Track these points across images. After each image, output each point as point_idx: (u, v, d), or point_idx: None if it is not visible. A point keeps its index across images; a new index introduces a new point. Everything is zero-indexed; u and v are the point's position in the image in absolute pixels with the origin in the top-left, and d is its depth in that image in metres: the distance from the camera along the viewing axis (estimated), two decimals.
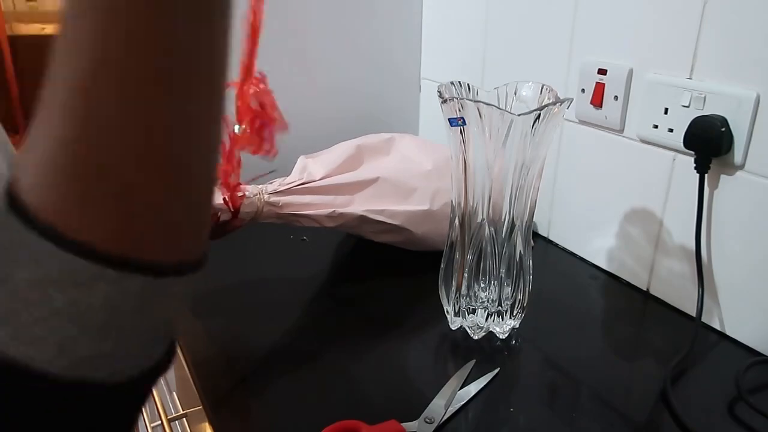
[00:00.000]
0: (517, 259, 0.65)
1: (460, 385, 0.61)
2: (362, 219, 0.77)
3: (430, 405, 0.58)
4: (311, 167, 0.80)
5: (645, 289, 0.79)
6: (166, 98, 0.21)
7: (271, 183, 0.76)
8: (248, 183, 0.73)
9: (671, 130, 0.71)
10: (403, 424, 0.54)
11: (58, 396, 0.22)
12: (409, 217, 0.79)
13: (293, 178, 0.77)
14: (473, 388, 0.61)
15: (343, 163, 0.81)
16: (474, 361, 0.64)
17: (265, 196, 0.73)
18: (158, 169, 0.22)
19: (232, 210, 0.70)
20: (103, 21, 0.20)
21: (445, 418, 0.57)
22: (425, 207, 0.80)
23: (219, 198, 0.69)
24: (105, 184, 0.21)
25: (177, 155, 0.22)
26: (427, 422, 0.56)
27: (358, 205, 0.78)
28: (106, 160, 0.21)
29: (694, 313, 0.70)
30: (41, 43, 4.39)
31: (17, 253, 0.21)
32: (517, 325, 0.69)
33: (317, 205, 0.76)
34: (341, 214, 0.76)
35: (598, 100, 0.80)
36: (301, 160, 0.83)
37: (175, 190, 0.23)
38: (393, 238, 0.81)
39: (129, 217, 0.22)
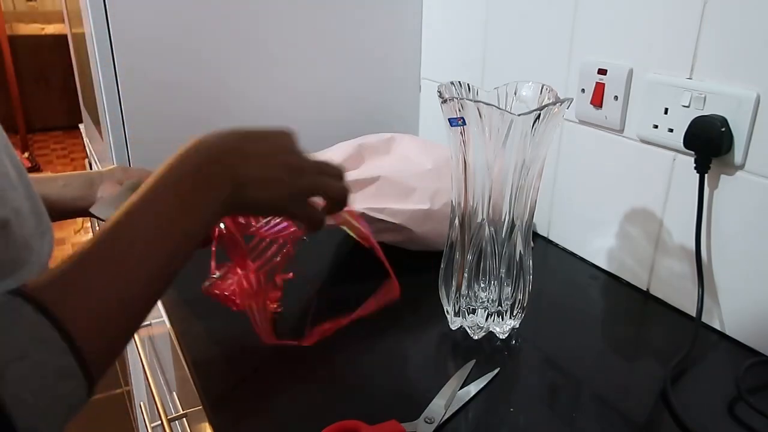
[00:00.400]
0: (517, 259, 0.65)
1: (460, 385, 0.61)
2: (363, 217, 0.77)
3: (430, 405, 0.58)
4: None
5: (645, 289, 0.79)
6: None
7: None
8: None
9: (671, 130, 0.71)
10: (403, 424, 0.54)
11: None
12: (409, 216, 0.79)
13: None
14: (473, 388, 0.61)
15: (343, 162, 0.81)
16: (474, 361, 0.64)
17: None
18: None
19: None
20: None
21: (445, 418, 0.57)
22: (426, 206, 0.80)
23: None
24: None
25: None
26: (427, 422, 0.56)
27: (358, 204, 0.78)
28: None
29: (694, 313, 0.70)
30: (41, 43, 4.39)
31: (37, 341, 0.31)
32: (517, 325, 0.69)
33: (318, 204, 0.76)
34: (342, 213, 0.76)
35: (598, 100, 0.80)
36: None
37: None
38: (393, 238, 0.81)
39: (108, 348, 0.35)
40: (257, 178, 0.45)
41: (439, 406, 0.58)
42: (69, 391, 0.32)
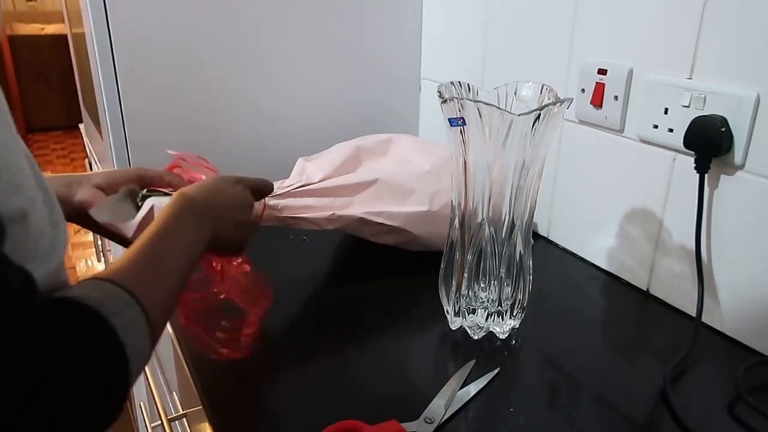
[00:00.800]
0: (517, 259, 0.65)
1: (460, 385, 0.61)
2: (362, 221, 0.77)
3: (430, 405, 0.58)
4: (309, 169, 0.80)
5: (645, 289, 0.79)
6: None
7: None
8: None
9: (671, 130, 0.71)
10: (403, 424, 0.54)
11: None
12: (408, 218, 0.79)
13: (292, 181, 0.77)
14: (473, 388, 0.61)
15: (341, 165, 0.81)
16: (474, 361, 0.64)
17: (265, 200, 0.72)
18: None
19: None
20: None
21: (445, 418, 0.57)
22: (425, 208, 0.80)
23: None
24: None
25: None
26: (427, 422, 0.56)
27: (357, 207, 0.77)
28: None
29: (694, 313, 0.70)
30: (41, 43, 4.39)
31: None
32: (517, 325, 0.69)
33: (316, 208, 0.76)
34: (340, 217, 0.76)
35: (598, 100, 0.80)
36: (299, 163, 0.83)
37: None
38: (393, 240, 0.81)
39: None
40: (228, 226, 0.60)
41: (439, 406, 0.58)
42: (149, 344, 0.43)
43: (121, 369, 0.40)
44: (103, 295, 0.41)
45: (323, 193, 0.77)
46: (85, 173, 0.68)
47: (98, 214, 0.61)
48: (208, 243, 0.56)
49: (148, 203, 0.62)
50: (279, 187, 0.75)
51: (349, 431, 0.54)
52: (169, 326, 0.72)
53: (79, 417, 0.37)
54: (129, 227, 0.61)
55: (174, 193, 0.58)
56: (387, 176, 0.80)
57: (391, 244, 0.82)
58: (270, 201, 0.73)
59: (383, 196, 0.79)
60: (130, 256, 0.47)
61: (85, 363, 0.37)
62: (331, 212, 0.75)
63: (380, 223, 0.78)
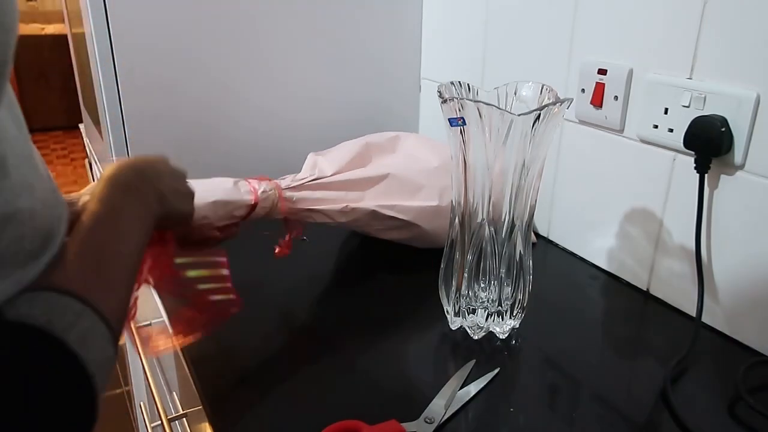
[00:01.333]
0: (517, 259, 0.65)
1: (460, 385, 0.61)
2: (373, 214, 0.78)
3: (430, 405, 0.58)
4: (321, 164, 0.81)
5: (645, 289, 0.79)
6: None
7: (284, 179, 0.76)
8: (262, 179, 0.73)
9: (671, 130, 0.71)
10: (403, 424, 0.54)
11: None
12: (419, 212, 0.80)
13: (305, 174, 0.78)
14: (473, 388, 0.61)
15: (351, 160, 0.82)
16: (474, 361, 0.64)
17: (280, 192, 0.73)
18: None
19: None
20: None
21: (445, 418, 0.57)
22: (434, 203, 0.80)
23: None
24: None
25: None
26: (427, 422, 0.56)
27: (369, 201, 0.78)
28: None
29: (694, 313, 0.70)
30: (41, 43, 4.39)
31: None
32: (517, 325, 0.69)
33: (330, 200, 0.76)
34: (354, 209, 0.77)
35: (598, 100, 0.80)
36: (310, 157, 0.84)
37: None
38: (400, 235, 0.81)
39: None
40: (172, 190, 0.55)
41: (439, 406, 0.58)
42: (112, 351, 0.39)
43: (85, 391, 0.36)
44: (47, 310, 0.35)
45: (336, 186, 0.77)
46: (72, 195, 0.67)
47: None
48: (156, 216, 0.50)
49: None
50: (293, 179, 0.76)
51: (349, 431, 0.54)
52: (169, 326, 0.72)
53: None
54: None
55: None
56: (397, 171, 0.81)
57: (397, 240, 0.82)
58: (285, 193, 0.73)
59: (394, 191, 0.80)
60: (73, 253, 0.41)
61: (45, 399, 0.33)
62: (345, 204, 0.76)
63: (391, 217, 0.79)
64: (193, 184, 0.66)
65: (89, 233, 0.42)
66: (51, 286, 0.37)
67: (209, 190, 0.68)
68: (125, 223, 0.45)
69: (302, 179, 0.76)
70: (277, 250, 0.74)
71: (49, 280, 0.38)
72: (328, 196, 0.77)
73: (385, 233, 0.81)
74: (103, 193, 0.46)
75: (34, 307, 0.35)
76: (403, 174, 0.81)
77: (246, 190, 0.71)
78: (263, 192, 0.72)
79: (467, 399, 0.59)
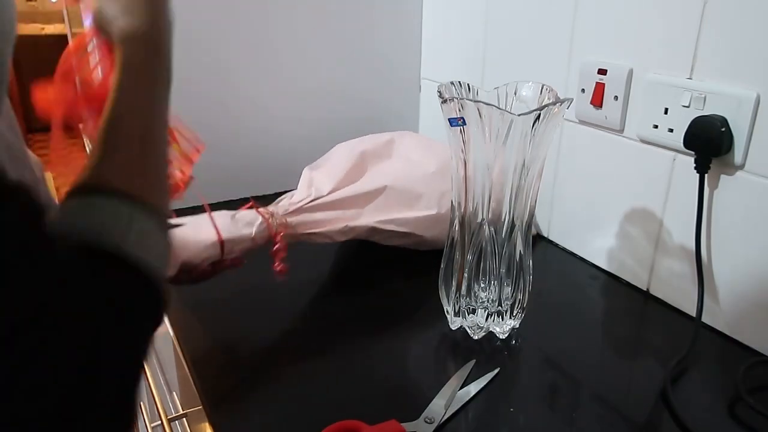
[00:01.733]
0: (517, 259, 0.65)
1: (460, 385, 0.61)
2: (373, 230, 0.78)
3: (430, 405, 0.58)
4: (317, 181, 0.79)
5: (645, 289, 0.79)
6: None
7: (281, 201, 0.76)
8: (258, 206, 0.73)
9: (671, 130, 0.71)
10: (403, 424, 0.54)
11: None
12: (418, 222, 0.80)
13: (302, 195, 0.76)
14: (473, 388, 0.61)
15: (347, 173, 0.81)
16: (474, 361, 0.64)
17: (279, 219, 0.72)
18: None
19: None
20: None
21: (445, 418, 0.57)
22: (433, 211, 0.80)
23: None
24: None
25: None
26: (427, 422, 0.56)
27: (368, 217, 0.78)
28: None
29: (694, 313, 0.70)
30: (41, 42, 4.39)
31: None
32: (517, 325, 0.69)
33: (329, 222, 0.76)
34: (353, 228, 0.76)
35: (598, 100, 0.80)
36: (306, 173, 0.82)
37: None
38: (402, 242, 0.81)
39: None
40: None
41: (439, 406, 0.58)
42: (166, 241, 0.40)
43: (154, 298, 0.36)
44: (97, 220, 0.35)
45: (334, 206, 0.77)
46: None
47: None
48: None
49: None
50: (290, 203, 0.75)
51: (349, 431, 0.54)
52: (169, 326, 0.72)
53: (136, 349, 0.34)
54: None
55: None
56: (394, 182, 0.80)
57: (399, 246, 0.82)
58: (285, 219, 0.73)
59: (392, 203, 0.80)
60: (109, 146, 0.39)
61: (113, 315, 0.32)
62: (344, 224, 0.76)
63: (392, 230, 0.78)
64: (190, 224, 0.67)
65: (119, 122, 0.41)
66: (96, 188, 0.37)
67: (208, 230, 0.68)
68: (151, 104, 0.44)
69: (299, 202, 0.75)
70: (278, 269, 0.72)
71: (92, 181, 0.37)
72: (327, 217, 0.76)
73: (387, 241, 0.81)
74: (123, 71, 0.44)
75: (83, 217, 0.35)
76: (401, 184, 0.81)
77: (244, 222, 0.70)
78: (261, 223, 0.71)
79: (467, 399, 0.59)
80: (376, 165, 0.84)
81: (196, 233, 0.67)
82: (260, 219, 0.71)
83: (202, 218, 0.69)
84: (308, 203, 0.75)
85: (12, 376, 0.27)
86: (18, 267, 0.28)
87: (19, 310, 0.28)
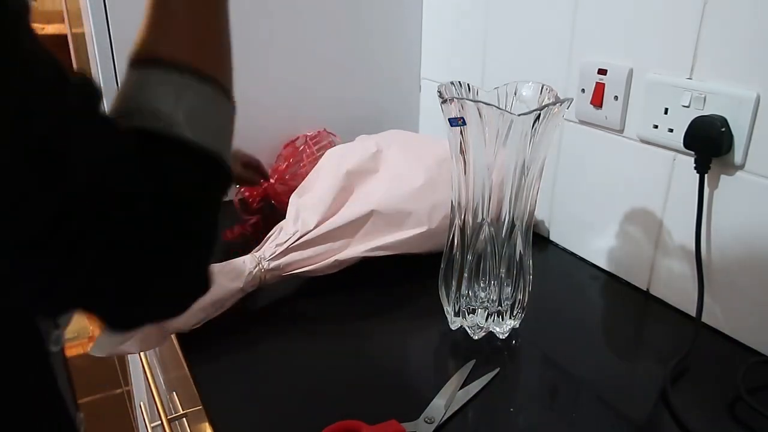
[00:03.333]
0: (517, 259, 0.65)
1: (460, 385, 0.61)
2: (364, 258, 0.77)
3: (430, 405, 0.58)
4: (304, 213, 0.78)
5: (645, 289, 0.79)
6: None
7: (267, 245, 0.75)
8: (245, 256, 0.72)
9: (671, 130, 0.71)
10: (403, 424, 0.54)
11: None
12: (409, 242, 0.78)
13: (288, 233, 0.75)
14: (473, 388, 0.61)
15: (334, 199, 0.79)
16: (474, 361, 0.64)
17: (265, 264, 0.72)
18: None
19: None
20: None
21: (445, 418, 0.57)
22: (423, 228, 0.78)
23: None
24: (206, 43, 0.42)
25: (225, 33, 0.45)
26: (427, 422, 0.56)
27: (357, 246, 0.77)
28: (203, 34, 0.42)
29: (694, 313, 0.70)
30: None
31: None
32: (517, 325, 0.69)
33: (317, 257, 0.75)
34: (343, 261, 0.76)
35: (598, 100, 0.80)
36: (293, 202, 0.81)
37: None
38: (396, 254, 0.81)
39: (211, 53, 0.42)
40: None
41: (439, 406, 0.58)
42: (226, 108, 0.42)
43: (209, 175, 0.38)
44: (144, 97, 0.37)
45: (322, 240, 0.76)
46: None
47: (99, 349, 0.62)
48: None
49: None
50: (277, 245, 0.74)
51: (349, 431, 0.54)
52: None
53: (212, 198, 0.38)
54: None
55: None
56: (381, 205, 0.78)
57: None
58: (271, 264, 0.72)
59: (381, 227, 0.78)
60: (155, 11, 0.40)
61: (173, 195, 0.35)
62: (334, 259, 0.75)
63: (382, 255, 0.78)
64: None
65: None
66: (142, 59, 0.38)
67: None
68: None
69: (286, 242, 0.74)
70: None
71: (139, 48, 0.38)
72: (316, 252, 0.75)
73: (381, 252, 0.80)
74: None
75: (136, 96, 0.36)
76: (388, 206, 0.78)
77: (233, 276, 0.69)
78: (249, 274, 0.70)
79: (467, 399, 0.59)
80: (362, 184, 0.82)
81: None
82: (247, 271, 0.70)
83: None
84: (295, 242, 0.74)
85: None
86: (80, 143, 0.30)
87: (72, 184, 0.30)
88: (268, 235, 0.77)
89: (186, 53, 0.38)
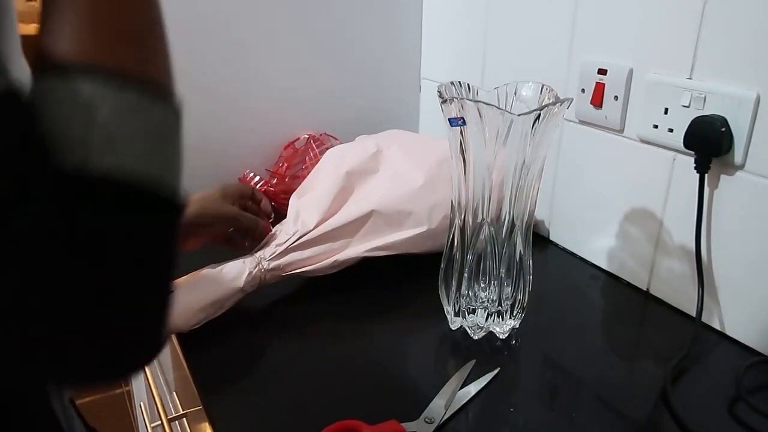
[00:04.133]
0: (517, 259, 0.65)
1: (460, 385, 0.61)
2: (364, 259, 0.77)
3: (430, 405, 0.58)
4: (304, 213, 0.78)
5: (645, 289, 0.79)
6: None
7: (268, 246, 0.74)
8: (245, 256, 0.73)
9: (671, 130, 0.71)
10: (403, 424, 0.54)
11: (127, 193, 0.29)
12: (408, 242, 0.78)
13: (288, 234, 0.75)
14: (473, 388, 0.61)
15: (334, 199, 0.79)
16: (474, 361, 0.64)
17: (265, 264, 0.72)
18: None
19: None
20: None
21: (445, 418, 0.57)
22: (424, 228, 0.78)
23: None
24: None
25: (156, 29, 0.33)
26: (427, 422, 0.56)
27: (357, 246, 0.77)
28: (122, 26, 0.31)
29: (694, 313, 0.70)
30: None
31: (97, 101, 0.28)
32: (517, 325, 0.69)
33: (317, 257, 0.75)
34: (343, 261, 0.76)
35: (598, 100, 0.80)
36: (293, 203, 0.81)
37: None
38: (396, 254, 0.81)
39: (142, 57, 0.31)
40: None
41: (439, 406, 0.58)
42: (160, 110, 0.30)
43: (142, 209, 0.29)
44: (52, 115, 0.27)
45: (322, 240, 0.75)
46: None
47: None
48: None
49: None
50: (277, 245, 0.74)
51: (349, 431, 0.54)
52: None
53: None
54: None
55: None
56: (381, 204, 0.78)
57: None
58: (271, 264, 0.72)
59: (381, 227, 0.78)
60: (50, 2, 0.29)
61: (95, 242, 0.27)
62: (334, 259, 0.75)
63: (382, 255, 0.78)
64: (181, 287, 0.67)
65: None
66: (44, 66, 0.28)
67: (197, 294, 0.67)
68: None
69: (286, 242, 0.74)
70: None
71: (39, 55, 0.29)
72: (316, 252, 0.75)
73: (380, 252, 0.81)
74: None
75: (43, 114, 0.27)
76: (388, 206, 0.78)
77: (232, 276, 0.70)
78: (248, 274, 0.70)
79: (467, 399, 0.59)
80: (362, 184, 0.82)
81: (185, 298, 0.66)
82: (247, 271, 0.70)
83: (192, 280, 0.69)
84: (295, 242, 0.74)
85: None
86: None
87: None
88: (268, 236, 0.77)
89: (95, 50, 0.29)
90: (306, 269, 0.74)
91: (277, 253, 0.73)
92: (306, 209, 0.79)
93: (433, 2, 1.13)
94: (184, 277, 0.69)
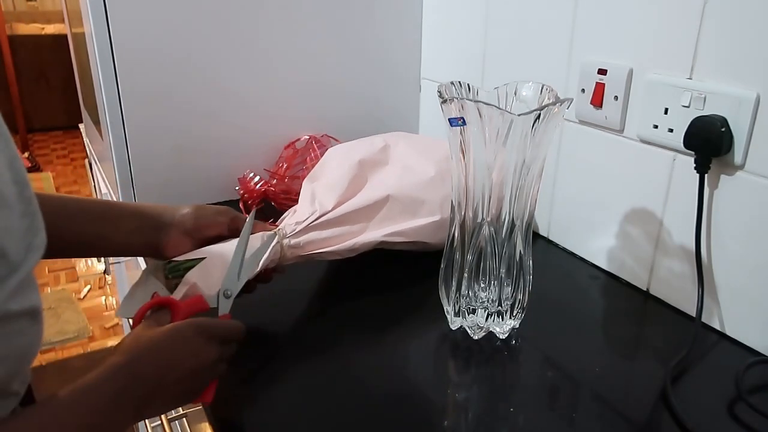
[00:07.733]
0: (517, 259, 0.65)
1: (244, 251, 0.63)
2: (381, 243, 0.77)
3: (223, 279, 0.61)
4: (320, 195, 0.78)
5: (645, 289, 0.79)
6: None
7: (286, 222, 0.74)
8: (269, 227, 0.71)
9: (671, 130, 0.71)
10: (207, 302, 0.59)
11: None
12: (423, 230, 0.79)
13: (306, 213, 0.75)
14: (260, 252, 0.64)
15: (349, 185, 0.79)
16: (254, 211, 0.67)
17: (286, 240, 0.71)
18: None
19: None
20: None
21: (240, 288, 0.61)
22: (437, 217, 0.80)
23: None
24: None
25: None
26: (226, 297, 0.60)
27: (374, 231, 0.77)
28: None
29: (694, 313, 0.70)
30: (41, 43, 4.39)
31: None
32: (517, 325, 0.69)
33: (336, 239, 0.75)
34: (363, 244, 0.76)
35: (598, 100, 0.80)
36: (306, 186, 0.81)
37: None
38: (407, 247, 0.81)
39: None
40: (161, 408, 0.52)
41: (233, 278, 0.61)
42: None
43: None
44: None
45: (340, 221, 0.76)
46: (172, 213, 0.66)
47: (125, 311, 0.61)
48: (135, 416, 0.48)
49: (190, 278, 0.61)
50: (297, 223, 0.73)
51: (162, 306, 0.56)
52: None
53: None
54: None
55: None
56: (396, 191, 0.79)
57: (405, 250, 0.82)
58: (291, 241, 0.71)
59: (396, 213, 0.79)
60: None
61: None
62: (353, 241, 0.75)
63: (399, 242, 0.78)
64: (213, 253, 0.65)
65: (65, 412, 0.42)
66: None
67: (217, 273, 0.65)
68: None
69: (305, 221, 0.73)
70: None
71: None
72: (335, 234, 0.75)
73: (392, 248, 0.81)
74: (101, 399, 0.45)
75: None
76: (403, 193, 0.80)
77: (257, 246, 0.68)
78: (273, 247, 0.69)
79: (259, 267, 0.63)
80: (375, 174, 0.83)
81: (205, 276, 0.64)
82: (269, 240, 0.69)
83: (214, 253, 0.66)
84: (314, 221, 0.74)
85: None
86: None
87: None
88: (282, 216, 0.76)
89: None
90: (326, 250, 0.74)
91: (297, 230, 0.72)
92: (322, 192, 0.79)
93: (433, 2, 1.13)
94: (210, 246, 0.67)
